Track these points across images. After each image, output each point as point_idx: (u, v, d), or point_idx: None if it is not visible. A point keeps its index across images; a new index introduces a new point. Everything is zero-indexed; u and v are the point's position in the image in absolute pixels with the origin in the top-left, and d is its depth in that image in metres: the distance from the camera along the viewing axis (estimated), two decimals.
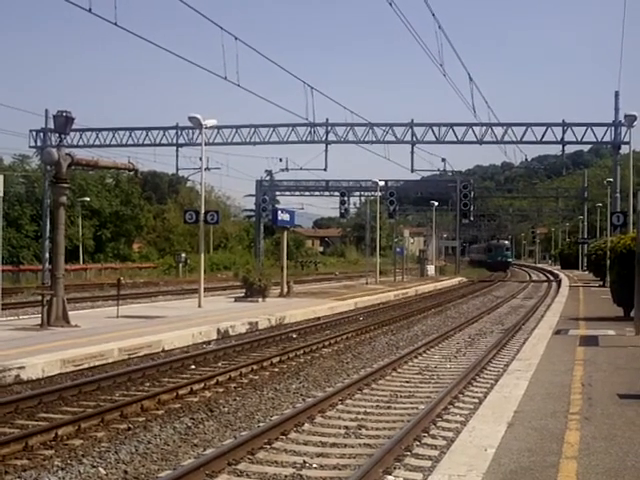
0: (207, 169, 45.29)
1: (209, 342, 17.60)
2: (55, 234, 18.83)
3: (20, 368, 12.07)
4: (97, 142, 45.32)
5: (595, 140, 42.42)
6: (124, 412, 10.00)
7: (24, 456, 8.10)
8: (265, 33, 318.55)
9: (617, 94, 41.97)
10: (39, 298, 18.85)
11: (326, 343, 17.90)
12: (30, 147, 46.92)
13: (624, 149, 42.53)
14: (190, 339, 17.08)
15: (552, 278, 57.78)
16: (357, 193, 70.15)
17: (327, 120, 43.30)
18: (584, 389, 9.89)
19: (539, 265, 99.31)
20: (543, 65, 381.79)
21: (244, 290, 28.85)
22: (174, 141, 45.22)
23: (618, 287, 20.48)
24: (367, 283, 43.34)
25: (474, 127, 42.10)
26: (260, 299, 27.29)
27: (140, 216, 66.95)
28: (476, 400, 11.02)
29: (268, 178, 71.16)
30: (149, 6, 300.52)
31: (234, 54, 24.51)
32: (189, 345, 16.76)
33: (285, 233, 32.44)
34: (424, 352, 16.76)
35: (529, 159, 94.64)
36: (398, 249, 55.83)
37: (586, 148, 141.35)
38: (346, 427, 9.58)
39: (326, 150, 44.50)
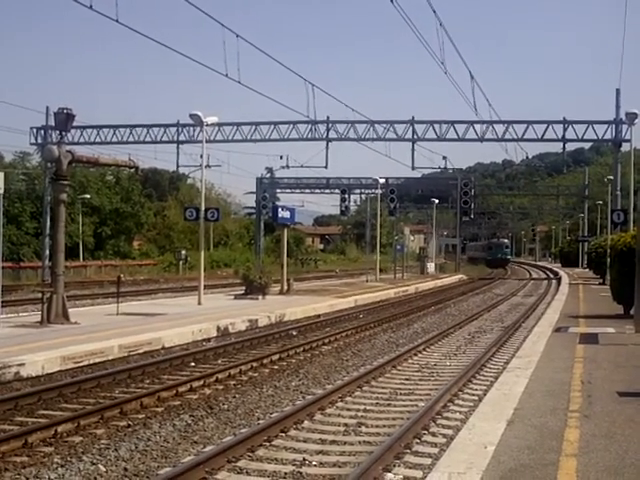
0: (208, 166, 45.04)
1: (209, 339, 17.62)
2: (55, 231, 18.85)
3: (20, 365, 12.09)
4: (98, 139, 45.17)
5: (596, 138, 42.25)
6: (124, 409, 10.01)
7: (24, 453, 8.11)
8: (266, 31, 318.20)
9: (618, 92, 41.82)
10: (39, 295, 18.88)
11: (326, 340, 17.91)
12: (31, 144, 46.78)
13: (625, 147, 42.48)
14: (190, 336, 17.08)
15: (552, 276, 57.73)
16: (358, 190, 69.98)
17: (328, 117, 43.17)
18: (584, 387, 9.89)
19: (539, 263, 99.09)
20: (544, 63, 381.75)
21: (244, 287, 28.86)
22: (175, 138, 45.09)
23: (618, 285, 20.48)
24: (367, 281, 43.31)
25: (475, 125, 41.96)
26: (260, 296, 27.27)
27: (140, 213, 66.82)
28: (476, 398, 11.01)
29: (269, 175, 71.20)
30: (150, 3, 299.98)
31: (235, 51, 24.51)
32: (189, 342, 16.77)
33: (285, 230, 32.47)
34: (424, 350, 16.76)
35: (530, 157, 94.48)
36: (398, 247, 55.83)
37: (587, 146, 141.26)
38: (346, 424, 9.59)
39: (327, 147, 44.36)
